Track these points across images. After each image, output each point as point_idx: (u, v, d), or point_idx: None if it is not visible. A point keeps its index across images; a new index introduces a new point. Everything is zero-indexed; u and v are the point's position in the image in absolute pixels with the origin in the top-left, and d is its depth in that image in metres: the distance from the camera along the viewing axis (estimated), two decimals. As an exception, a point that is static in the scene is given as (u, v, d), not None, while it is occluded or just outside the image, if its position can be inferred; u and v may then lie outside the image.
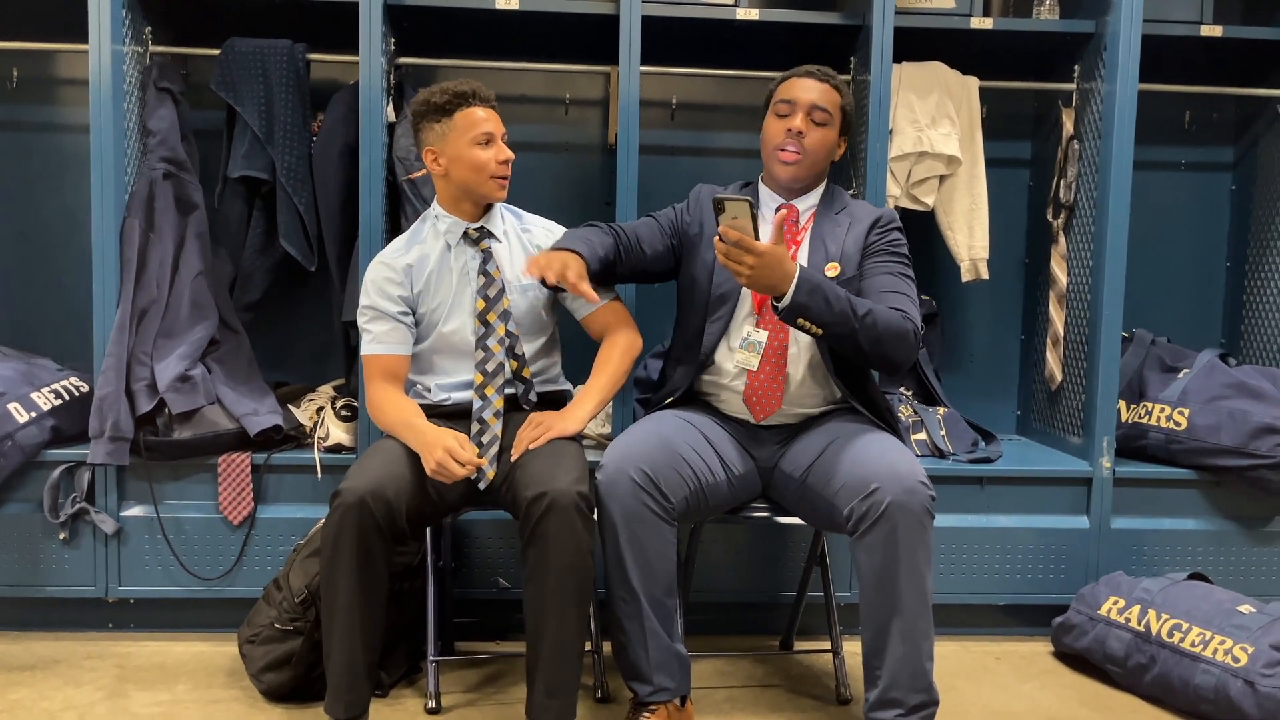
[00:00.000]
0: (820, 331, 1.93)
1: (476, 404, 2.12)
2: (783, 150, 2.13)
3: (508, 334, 2.16)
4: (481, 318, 2.15)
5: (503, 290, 2.16)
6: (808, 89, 2.14)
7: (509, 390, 2.17)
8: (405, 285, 2.16)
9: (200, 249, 2.59)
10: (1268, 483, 2.55)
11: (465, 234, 2.18)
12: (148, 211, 2.52)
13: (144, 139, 2.57)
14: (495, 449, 2.11)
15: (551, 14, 2.63)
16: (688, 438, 2.05)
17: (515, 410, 2.19)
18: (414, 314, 2.18)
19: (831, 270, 2.09)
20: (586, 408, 2.14)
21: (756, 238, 1.86)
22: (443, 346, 2.19)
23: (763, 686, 2.36)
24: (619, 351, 2.21)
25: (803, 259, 2.12)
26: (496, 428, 2.12)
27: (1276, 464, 2.51)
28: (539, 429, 2.07)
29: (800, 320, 1.91)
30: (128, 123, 2.51)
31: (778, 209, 2.15)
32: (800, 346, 2.10)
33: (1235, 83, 2.94)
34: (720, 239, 1.86)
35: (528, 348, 2.21)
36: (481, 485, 2.07)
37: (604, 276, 2.17)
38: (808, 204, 2.19)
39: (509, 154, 2.16)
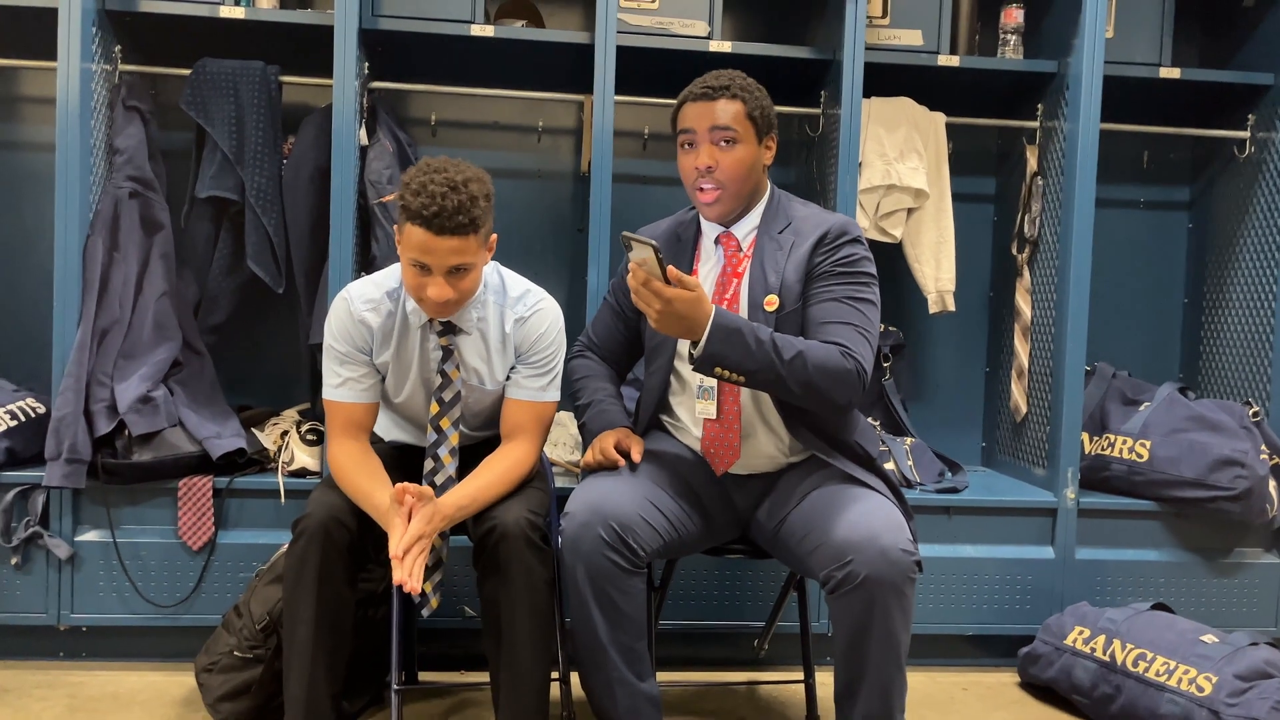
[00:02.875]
0: (743, 379, 1.79)
1: (431, 437, 2.01)
2: (699, 190, 1.96)
3: (460, 445, 2.03)
4: (434, 423, 2.00)
5: (459, 396, 2.00)
6: (702, 114, 1.94)
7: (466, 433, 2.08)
8: (367, 343, 1.98)
9: (165, 269, 2.56)
10: (1228, 514, 2.59)
11: (430, 321, 1.98)
12: (112, 230, 2.48)
13: (110, 157, 2.53)
14: (439, 576, 1.99)
15: (526, 42, 2.64)
16: (661, 481, 1.95)
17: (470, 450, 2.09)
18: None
19: (770, 305, 1.93)
20: (460, 503, 1.90)
21: (665, 281, 1.73)
22: (394, 409, 2.11)
23: (734, 719, 2.34)
24: (505, 467, 1.96)
25: (744, 292, 1.97)
26: (451, 467, 2.01)
27: (1236, 496, 2.56)
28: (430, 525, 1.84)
29: (718, 369, 1.78)
30: (94, 141, 2.48)
31: (716, 239, 2.03)
32: (756, 391, 1.95)
33: (1192, 124, 3.03)
34: (631, 277, 1.74)
35: (485, 432, 2.12)
36: (425, 613, 1.98)
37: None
38: (748, 227, 2.02)
39: (445, 293, 1.84)
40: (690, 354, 1.79)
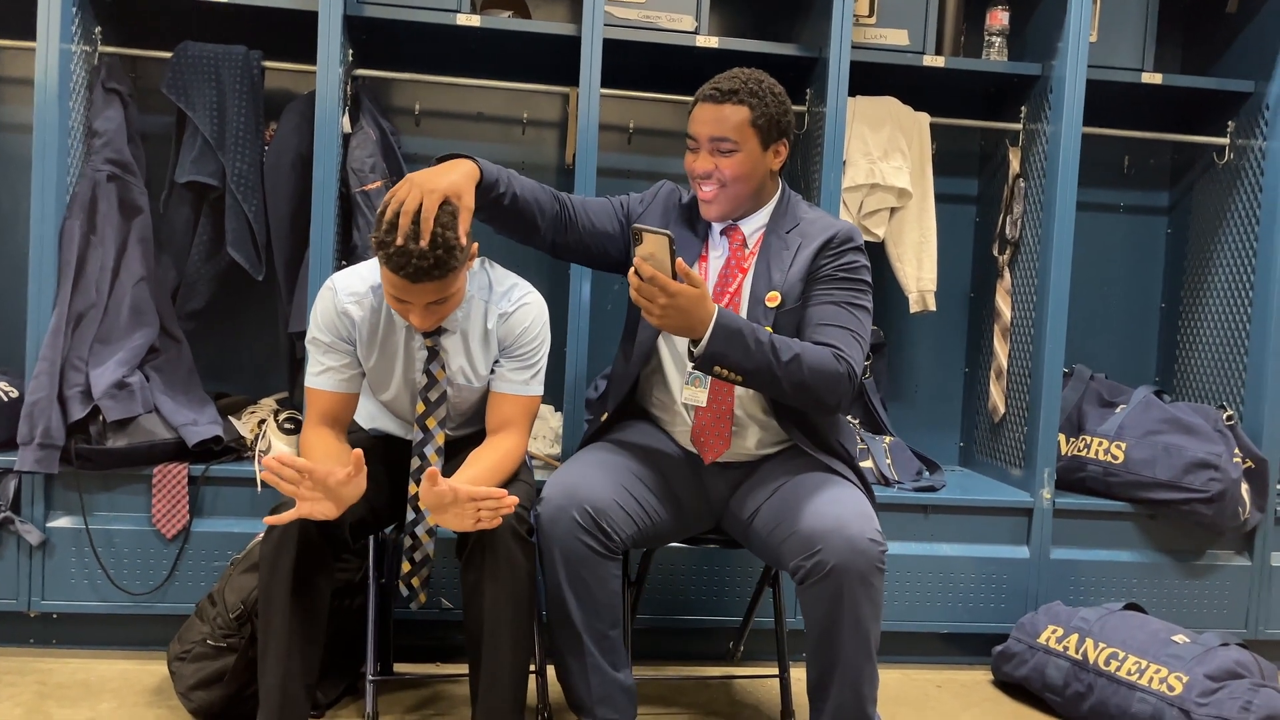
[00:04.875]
0: (740, 379, 1.81)
1: (417, 436, 1.99)
2: (699, 189, 2.00)
3: (445, 443, 2.00)
4: (420, 422, 1.98)
5: (445, 395, 1.97)
6: (705, 120, 1.95)
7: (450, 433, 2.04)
8: (350, 334, 1.95)
9: (143, 254, 2.53)
10: (1200, 516, 2.62)
11: None
12: (89, 213, 2.45)
13: (89, 140, 2.50)
14: (427, 572, 1.98)
15: (512, 33, 2.63)
16: (636, 469, 1.97)
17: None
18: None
19: (771, 300, 1.96)
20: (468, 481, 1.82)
21: (674, 275, 1.72)
22: (377, 400, 2.09)
23: (708, 713, 2.34)
24: (496, 458, 1.92)
25: (746, 287, 2.00)
26: (437, 466, 1.98)
27: (1209, 498, 2.58)
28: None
29: (717, 368, 1.79)
30: (73, 123, 2.45)
31: (723, 230, 2.04)
32: None
33: (1173, 129, 3.05)
34: (634, 272, 1.73)
35: (467, 429, 2.10)
36: (413, 606, 1.96)
37: (517, 222, 1.96)
38: (755, 224, 2.04)
39: (428, 322, 1.83)
40: (690, 352, 1.79)
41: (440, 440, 2.00)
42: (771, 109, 1.98)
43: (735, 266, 2.02)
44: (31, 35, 2.37)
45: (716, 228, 2.06)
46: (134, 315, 2.49)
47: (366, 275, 1.98)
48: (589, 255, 2.11)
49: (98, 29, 2.54)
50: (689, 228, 2.07)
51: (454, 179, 1.80)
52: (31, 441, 2.31)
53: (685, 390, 2.01)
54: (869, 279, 2.00)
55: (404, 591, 1.97)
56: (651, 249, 1.72)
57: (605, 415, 2.13)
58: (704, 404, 2.00)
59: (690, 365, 1.82)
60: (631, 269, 1.74)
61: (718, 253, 2.05)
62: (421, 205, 1.74)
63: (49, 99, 2.37)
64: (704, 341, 1.76)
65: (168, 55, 2.56)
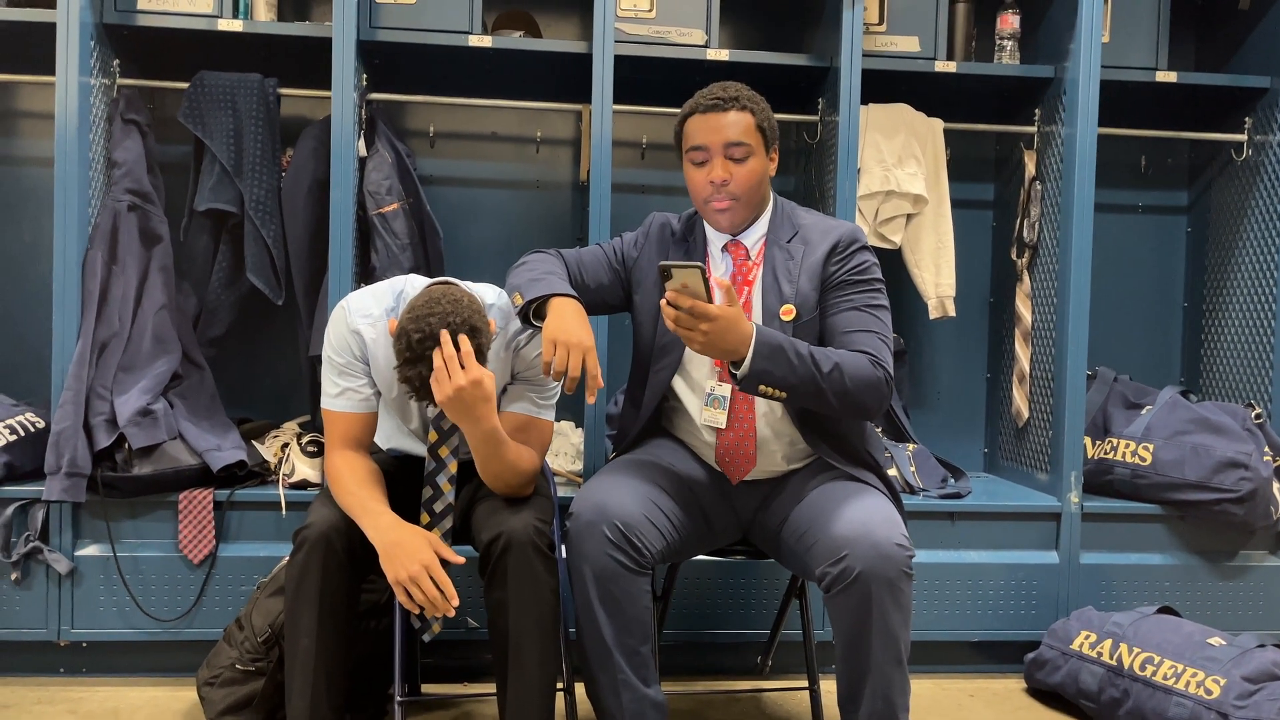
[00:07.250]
0: (784, 395, 1.80)
1: (429, 465, 1.97)
2: (713, 202, 1.96)
3: (459, 469, 1.97)
4: (433, 451, 1.96)
5: (456, 425, 1.91)
6: (716, 128, 1.93)
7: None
8: (363, 355, 1.95)
9: (164, 282, 2.55)
10: (1231, 516, 2.58)
11: None
12: (111, 243, 2.48)
13: (109, 171, 2.53)
14: (449, 521, 1.96)
15: (524, 52, 2.65)
16: (663, 484, 1.96)
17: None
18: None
19: (787, 314, 1.94)
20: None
21: (709, 300, 1.72)
22: (398, 416, 2.08)
23: (737, 726, 2.33)
24: (519, 449, 1.92)
25: (757, 301, 1.97)
26: (450, 495, 1.97)
27: (1240, 498, 2.55)
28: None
29: (762, 387, 1.78)
30: (93, 155, 2.48)
31: (724, 247, 2.01)
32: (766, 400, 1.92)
33: (1189, 128, 3.03)
34: (669, 304, 1.71)
35: None
36: (426, 638, 1.94)
37: None
38: (756, 235, 2.02)
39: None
40: (732, 374, 1.78)
41: (453, 469, 1.99)
42: (768, 113, 1.99)
43: (742, 280, 2.00)
44: (51, 70, 2.41)
45: (717, 245, 2.04)
46: (156, 343, 2.51)
47: (381, 296, 1.98)
48: (591, 311, 2.08)
49: (115, 61, 2.58)
50: (685, 255, 2.05)
51: (587, 328, 1.84)
52: (59, 471, 2.32)
53: (705, 412, 2.00)
54: (881, 276, 1.99)
55: (416, 623, 1.94)
56: (684, 280, 1.71)
57: (611, 456, 2.12)
58: (724, 425, 1.98)
59: (737, 387, 1.81)
60: (663, 301, 1.73)
61: (720, 271, 2.03)
62: (577, 362, 1.78)
63: (69, 132, 2.40)
64: (747, 361, 1.75)
65: (185, 85, 2.59)
